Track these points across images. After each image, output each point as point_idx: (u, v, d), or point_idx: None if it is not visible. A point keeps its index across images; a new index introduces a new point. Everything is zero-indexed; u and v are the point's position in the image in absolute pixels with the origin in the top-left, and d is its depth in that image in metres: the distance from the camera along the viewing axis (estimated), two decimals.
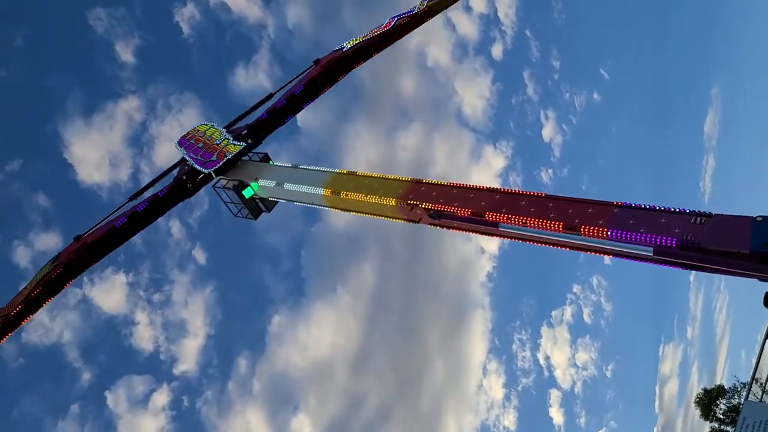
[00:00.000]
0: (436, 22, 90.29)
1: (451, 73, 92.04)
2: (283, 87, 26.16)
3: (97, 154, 66.67)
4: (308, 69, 25.98)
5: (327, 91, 26.48)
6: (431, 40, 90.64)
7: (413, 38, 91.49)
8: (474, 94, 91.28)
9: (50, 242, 62.43)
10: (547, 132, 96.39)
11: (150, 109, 70.10)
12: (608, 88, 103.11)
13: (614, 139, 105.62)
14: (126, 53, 68.61)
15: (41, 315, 60.23)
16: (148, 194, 25.12)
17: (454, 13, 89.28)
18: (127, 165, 68.15)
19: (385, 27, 26.14)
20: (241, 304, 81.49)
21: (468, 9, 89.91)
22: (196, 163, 24.37)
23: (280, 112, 25.65)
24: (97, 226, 24.18)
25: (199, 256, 71.88)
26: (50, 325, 61.68)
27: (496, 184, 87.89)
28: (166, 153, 69.40)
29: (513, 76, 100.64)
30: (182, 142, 25.74)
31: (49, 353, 62.42)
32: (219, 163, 23.94)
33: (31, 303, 23.23)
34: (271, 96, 26.16)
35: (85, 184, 67.98)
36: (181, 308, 70.83)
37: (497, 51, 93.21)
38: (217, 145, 24.57)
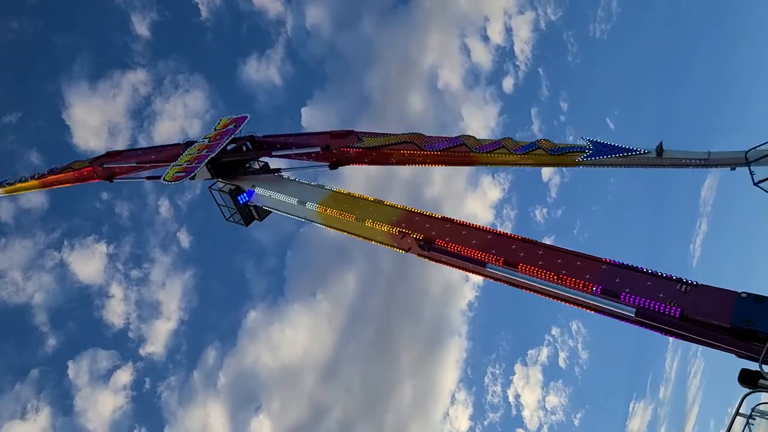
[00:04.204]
0: (452, 45, 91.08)
1: (460, 98, 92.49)
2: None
3: (97, 120, 66.25)
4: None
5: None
6: (445, 63, 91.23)
7: (427, 57, 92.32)
8: (480, 123, 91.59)
9: (35, 200, 61.93)
10: (547, 171, 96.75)
11: (157, 85, 69.88)
12: (612, 138, 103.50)
13: (612, 189, 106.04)
14: (141, 26, 68.71)
15: (14, 273, 59.23)
16: None
17: (470, 39, 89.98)
18: (125, 136, 67.69)
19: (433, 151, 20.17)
20: (218, 295, 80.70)
21: (485, 38, 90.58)
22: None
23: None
24: None
25: (184, 239, 71.09)
26: (23, 285, 60.82)
27: (489, 214, 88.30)
28: (166, 130, 69.11)
29: (520, 111, 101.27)
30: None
31: (17, 312, 61.49)
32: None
33: None
34: None
35: (79, 148, 66.52)
36: (157, 288, 69.90)
37: (508, 84, 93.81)
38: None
